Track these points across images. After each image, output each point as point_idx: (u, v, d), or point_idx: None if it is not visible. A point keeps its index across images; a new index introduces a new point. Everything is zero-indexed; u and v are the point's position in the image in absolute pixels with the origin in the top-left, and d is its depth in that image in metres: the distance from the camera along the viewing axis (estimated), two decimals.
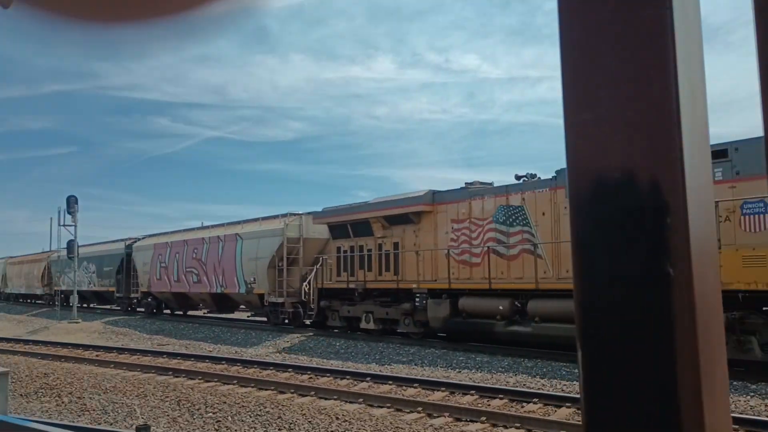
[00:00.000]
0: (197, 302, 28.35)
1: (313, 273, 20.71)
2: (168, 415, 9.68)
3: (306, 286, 20.64)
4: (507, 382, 11.58)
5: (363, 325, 18.67)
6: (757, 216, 10.84)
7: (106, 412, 10.05)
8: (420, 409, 9.61)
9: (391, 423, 8.82)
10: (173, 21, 0.84)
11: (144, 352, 17.19)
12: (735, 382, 10.32)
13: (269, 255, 22.12)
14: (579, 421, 8.38)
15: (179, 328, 24.08)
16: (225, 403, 10.22)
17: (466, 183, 17.00)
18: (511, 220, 15.24)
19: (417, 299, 16.91)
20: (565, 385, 11.14)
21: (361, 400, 10.41)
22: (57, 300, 34.43)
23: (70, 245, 32.18)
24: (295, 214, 22.57)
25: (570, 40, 0.78)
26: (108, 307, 36.76)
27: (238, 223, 25.87)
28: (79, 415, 10.03)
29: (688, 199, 0.70)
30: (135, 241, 33.34)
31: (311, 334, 19.79)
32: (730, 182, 11.07)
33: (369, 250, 19.01)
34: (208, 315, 28.76)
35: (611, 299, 0.73)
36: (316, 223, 21.58)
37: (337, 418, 9.02)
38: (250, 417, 9.27)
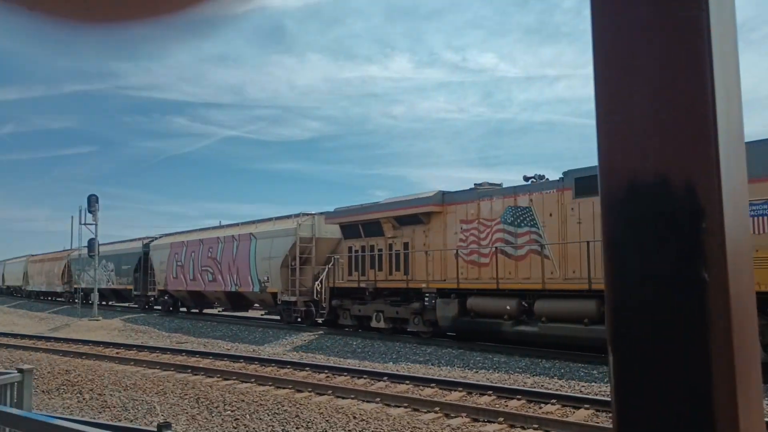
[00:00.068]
0: (212, 300, 28.40)
1: (325, 272, 20.69)
2: (187, 413, 9.66)
3: (318, 285, 20.64)
4: (524, 383, 11.38)
5: (373, 324, 18.63)
6: (761, 218, 10.75)
7: (126, 409, 10.04)
8: (437, 409, 9.47)
9: (408, 423, 8.70)
10: (190, 18, 0.84)
11: (163, 350, 17.17)
12: None
13: (282, 254, 22.10)
14: (598, 423, 8.33)
15: (197, 326, 24.06)
16: (243, 401, 10.18)
17: (475, 184, 16.95)
18: (519, 220, 15.18)
19: (426, 299, 16.87)
20: (583, 386, 10.92)
21: (378, 399, 10.29)
22: (78, 298, 34.66)
23: (91, 244, 32.30)
24: (307, 214, 22.54)
25: (603, 41, 0.76)
26: (126, 304, 36.94)
27: (252, 222, 25.88)
28: (100, 412, 10.03)
29: (723, 203, 0.68)
30: (152, 240, 33.44)
31: (323, 332, 19.75)
32: None
33: (380, 250, 18.98)
34: (224, 313, 28.81)
35: (643, 301, 0.72)
36: (328, 223, 21.52)
37: (355, 418, 8.93)
38: (268, 415, 9.21)
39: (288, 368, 13.66)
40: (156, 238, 33.64)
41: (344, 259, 20.36)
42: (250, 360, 14.87)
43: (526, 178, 15.58)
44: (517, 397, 10.06)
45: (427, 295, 16.89)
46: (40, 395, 11.12)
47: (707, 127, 0.69)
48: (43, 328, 26.86)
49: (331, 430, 8.39)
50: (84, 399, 11.06)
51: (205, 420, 9.23)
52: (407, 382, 11.60)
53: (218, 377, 12.90)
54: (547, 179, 15.17)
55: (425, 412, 9.43)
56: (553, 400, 9.67)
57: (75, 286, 39.02)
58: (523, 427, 8.52)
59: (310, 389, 11.33)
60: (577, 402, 9.50)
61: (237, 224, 27.25)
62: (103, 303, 36.91)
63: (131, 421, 9.32)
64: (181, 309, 31.20)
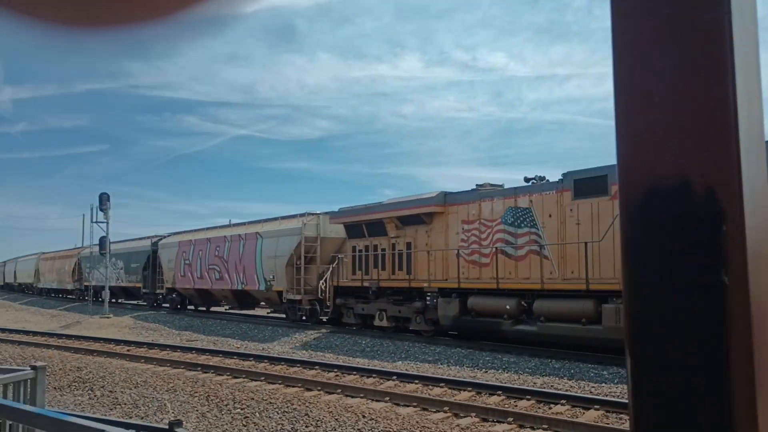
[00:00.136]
0: (219, 299, 28.36)
1: (329, 271, 20.67)
2: (197, 411, 9.59)
3: (322, 284, 20.61)
4: (534, 383, 11.18)
5: (376, 322, 18.57)
6: None
7: (137, 406, 9.99)
8: (446, 408, 9.33)
9: (417, 422, 8.58)
10: (200, 17, 0.84)
11: (173, 348, 17.06)
12: None
13: (288, 253, 22.04)
14: (608, 424, 8.23)
15: (207, 324, 23.92)
16: (253, 399, 10.09)
17: (477, 185, 16.92)
18: (519, 221, 15.15)
19: (428, 298, 16.84)
20: (593, 387, 10.73)
21: (387, 398, 10.15)
22: (89, 295, 34.66)
23: (102, 242, 32.27)
24: (312, 214, 22.46)
25: (623, 43, 0.74)
26: (135, 302, 36.95)
27: (258, 222, 25.81)
28: (111, 409, 9.98)
29: (745, 206, 0.66)
30: (161, 239, 33.40)
31: (328, 330, 19.69)
32: None
33: (383, 250, 18.93)
34: (232, 311, 28.78)
35: (662, 305, 0.70)
36: (332, 223, 21.42)
37: (364, 416, 8.82)
38: (278, 413, 9.14)
39: (297, 367, 13.55)
40: (164, 237, 33.61)
41: (348, 258, 20.29)
42: (259, 358, 14.75)
43: (526, 179, 15.55)
44: (527, 397, 9.87)
45: (429, 294, 16.86)
46: (51, 392, 11.04)
47: (728, 129, 0.67)
48: (54, 325, 26.82)
49: (340, 429, 8.30)
50: (95, 396, 11.02)
51: (215, 418, 9.17)
52: (416, 381, 11.44)
53: (228, 375, 12.81)
54: (547, 180, 15.14)
55: (434, 412, 9.30)
56: (563, 401, 9.47)
57: (85, 283, 39.04)
58: (532, 428, 8.37)
59: (319, 388, 11.21)
60: (587, 403, 9.28)
61: (243, 223, 27.23)
62: (113, 300, 36.92)
63: (142, 418, 9.25)
64: (189, 307, 31.15)
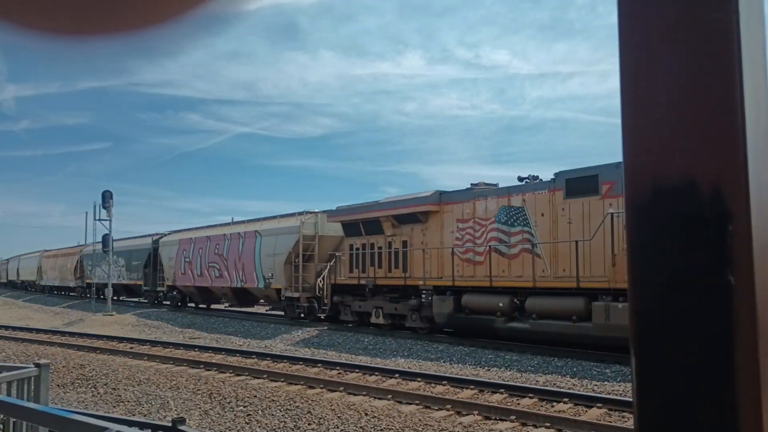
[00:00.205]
0: (219, 296, 28.24)
1: (327, 269, 20.62)
2: (200, 408, 9.49)
3: (320, 281, 20.56)
4: (537, 381, 11.03)
5: (373, 319, 18.50)
6: None
7: (140, 404, 9.88)
8: (449, 406, 9.19)
9: (419, 420, 8.48)
10: (202, 15, 0.82)
11: (176, 345, 16.90)
12: None
13: (286, 251, 21.95)
14: (610, 422, 8.15)
15: (209, 322, 23.74)
16: (255, 396, 10.00)
17: (471, 184, 16.92)
18: (512, 220, 15.16)
19: (423, 295, 16.83)
20: (596, 385, 10.57)
21: (390, 396, 10.01)
22: (92, 293, 34.48)
23: (105, 239, 32.06)
24: (311, 213, 22.38)
25: (630, 42, 0.73)
26: (137, 299, 36.79)
27: (258, 220, 25.71)
28: (114, 406, 9.86)
29: (751, 206, 0.65)
30: (161, 237, 33.25)
31: (325, 327, 19.61)
32: None
33: (379, 248, 18.88)
34: (233, 309, 28.67)
35: (668, 305, 0.69)
36: (330, 222, 21.35)
37: (366, 414, 8.73)
38: (280, 411, 9.05)
39: (300, 364, 13.42)
40: (165, 235, 33.45)
41: (345, 256, 20.22)
42: (262, 356, 14.60)
43: (520, 179, 15.56)
44: (529, 395, 9.72)
45: (424, 292, 16.85)
46: (55, 389, 10.89)
47: (735, 129, 0.66)
48: (58, 323, 26.61)
49: (343, 427, 8.21)
50: (98, 393, 10.89)
51: (217, 415, 9.07)
52: (419, 379, 11.29)
53: (230, 373, 12.68)
54: (540, 180, 15.16)
55: (437, 410, 9.17)
56: (566, 399, 9.31)
57: (87, 281, 38.84)
58: (535, 426, 8.26)
59: (321, 386, 11.09)
60: (589, 401, 9.14)
61: (243, 222, 27.15)
62: (114, 298, 36.79)
63: (145, 415, 9.14)
64: (189, 304, 30.98)
